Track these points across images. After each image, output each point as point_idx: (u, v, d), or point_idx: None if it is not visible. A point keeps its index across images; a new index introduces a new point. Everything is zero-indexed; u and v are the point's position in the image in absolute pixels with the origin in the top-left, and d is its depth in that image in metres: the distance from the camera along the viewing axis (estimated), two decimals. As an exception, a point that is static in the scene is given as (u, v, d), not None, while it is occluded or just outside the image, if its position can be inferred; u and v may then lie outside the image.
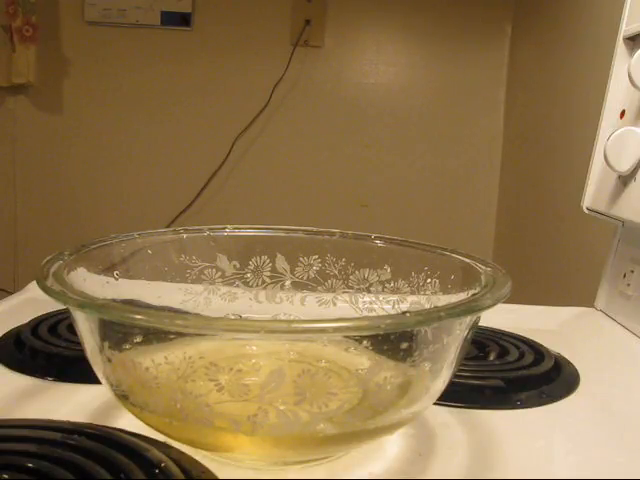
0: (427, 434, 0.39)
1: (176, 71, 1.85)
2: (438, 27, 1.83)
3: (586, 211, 0.70)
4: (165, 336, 0.34)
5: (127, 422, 0.36)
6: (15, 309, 0.62)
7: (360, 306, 0.47)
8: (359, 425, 0.33)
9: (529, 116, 1.64)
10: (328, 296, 0.47)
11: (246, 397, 0.31)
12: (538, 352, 0.52)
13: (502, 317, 0.51)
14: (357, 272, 0.47)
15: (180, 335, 0.35)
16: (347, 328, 0.29)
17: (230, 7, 1.84)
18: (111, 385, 0.34)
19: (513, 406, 0.44)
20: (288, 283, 0.47)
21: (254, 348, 0.42)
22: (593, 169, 0.69)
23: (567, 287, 1.28)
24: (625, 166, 0.61)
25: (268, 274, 0.47)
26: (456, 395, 0.42)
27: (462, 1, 1.82)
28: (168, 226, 1.81)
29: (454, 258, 0.42)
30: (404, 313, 0.30)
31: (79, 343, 0.35)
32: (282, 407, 0.31)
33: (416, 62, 1.86)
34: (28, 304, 0.62)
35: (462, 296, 0.39)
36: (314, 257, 0.47)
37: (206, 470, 0.32)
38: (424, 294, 0.43)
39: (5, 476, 0.29)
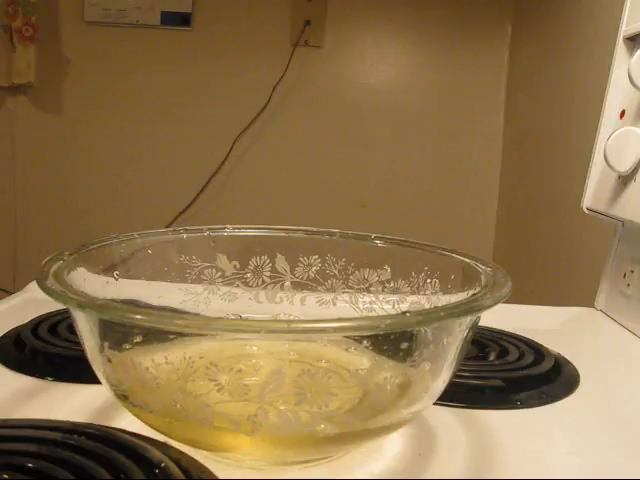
0: (427, 434, 0.39)
1: (176, 71, 1.85)
2: (438, 27, 1.83)
3: (586, 211, 0.70)
4: (165, 336, 0.34)
5: (127, 422, 0.36)
6: (15, 309, 0.62)
7: (360, 306, 0.47)
8: (359, 425, 0.33)
9: (529, 116, 1.64)
10: (328, 296, 0.47)
11: (246, 397, 0.31)
12: (538, 352, 0.52)
13: (502, 317, 0.51)
14: (357, 272, 0.46)
15: (180, 335, 0.35)
16: (347, 328, 0.29)
17: (230, 7, 1.83)
18: (111, 385, 0.34)
19: (513, 406, 0.44)
20: (288, 283, 0.47)
21: (254, 348, 0.42)
22: (593, 169, 0.69)
23: (567, 287, 1.28)
24: (625, 166, 0.61)
25: (268, 274, 0.47)
26: (456, 395, 0.42)
27: (462, 1, 1.82)
28: (168, 226, 1.81)
29: (454, 258, 0.42)
30: (404, 313, 0.30)
31: (79, 343, 0.35)
32: (282, 407, 0.31)
33: (416, 62, 1.86)
34: (28, 304, 0.62)
35: (462, 296, 0.39)
36: (314, 257, 0.47)
37: (206, 470, 0.32)
38: (424, 294, 0.43)
39: (5, 476, 0.29)
